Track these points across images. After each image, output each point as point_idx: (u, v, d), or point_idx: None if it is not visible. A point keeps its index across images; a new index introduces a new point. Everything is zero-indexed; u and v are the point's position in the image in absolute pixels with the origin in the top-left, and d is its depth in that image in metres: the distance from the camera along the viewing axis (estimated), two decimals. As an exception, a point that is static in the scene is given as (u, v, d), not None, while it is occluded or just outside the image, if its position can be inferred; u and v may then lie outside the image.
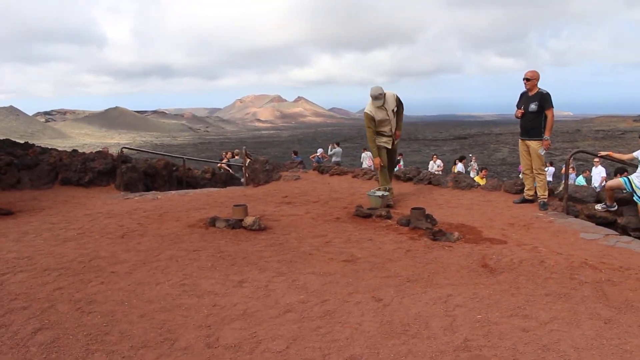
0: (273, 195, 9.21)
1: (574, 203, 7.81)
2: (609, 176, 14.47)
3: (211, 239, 5.91)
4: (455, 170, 18.66)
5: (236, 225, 6.34)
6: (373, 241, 5.87)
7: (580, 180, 14.99)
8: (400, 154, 22.08)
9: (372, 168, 13.80)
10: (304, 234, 6.21)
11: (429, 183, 9.78)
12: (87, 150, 14.87)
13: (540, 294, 4.16)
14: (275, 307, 3.94)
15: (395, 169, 9.51)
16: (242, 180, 13.68)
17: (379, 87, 8.09)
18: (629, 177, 7.30)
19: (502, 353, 3.19)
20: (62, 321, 3.68)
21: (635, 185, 7.10)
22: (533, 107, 7.54)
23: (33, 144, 12.41)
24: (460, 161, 19.34)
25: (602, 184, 9.59)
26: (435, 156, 21.34)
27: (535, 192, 7.86)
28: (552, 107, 7.53)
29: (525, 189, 8.08)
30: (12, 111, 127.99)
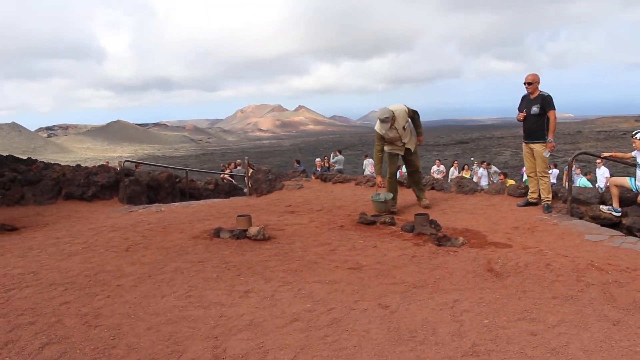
0: (276, 205, 9.21)
1: (578, 205, 7.80)
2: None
3: (216, 250, 5.91)
4: (474, 175, 18.68)
5: (240, 235, 6.34)
6: (378, 248, 5.86)
7: (584, 182, 14.95)
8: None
9: (374, 175, 13.82)
10: (309, 242, 6.21)
11: (432, 188, 9.77)
12: (89, 164, 14.90)
13: (547, 297, 4.15)
14: (281, 316, 3.93)
15: (397, 176, 9.43)
16: (245, 190, 13.69)
17: (386, 109, 7.86)
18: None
19: (510, 357, 3.17)
20: (69, 335, 3.68)
21: (637, 186, 7.10)
22: (535, 109, 7.55)
23: (36, 160, 12.44)
24: (480, 165, 19.34)
25: (607, 185, 9.56)
26: (438, 161, 21.39)
27: (539, 195, 7.84)
28: (554, 109, 7.53)
29: (529, 191, 8.06)
30: (14, 127, 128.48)
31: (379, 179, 8.20)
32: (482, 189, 9.41)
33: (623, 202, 7.48)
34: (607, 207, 7.50)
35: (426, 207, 8.33)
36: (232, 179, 17.45)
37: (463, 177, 13.73)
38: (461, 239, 5.95)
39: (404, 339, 3.46)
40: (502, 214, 7.61)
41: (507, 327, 3.59)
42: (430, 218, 6.72)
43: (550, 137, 7.55)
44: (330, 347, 3.39)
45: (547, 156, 7.63)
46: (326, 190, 10.64)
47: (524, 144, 7.98)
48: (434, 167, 20.42)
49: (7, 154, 12.72)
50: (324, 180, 11.61)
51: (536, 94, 7.63)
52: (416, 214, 6.79)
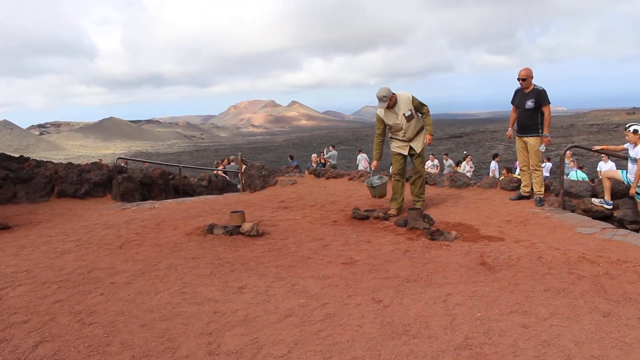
0: (270, 201, 9.21)
1: (570, 198, 7.84)
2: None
3: (209, 246, 5.91)
4: (462, 168, 18.64)
5: (234, 231, 6.34)
6: (371, 243, 5.88)
7: (574, 175, 14.94)
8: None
9: (368, 170, 13.78)
10: (302, 238, 6.22)
11: (425, 183, 9.79)
12: (82, 162, 14.84)
13: (539, 290, 4.18)
14: (275, 312, 3.95)
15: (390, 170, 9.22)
16: (239, 186, 13.68)
17: (385, 88, 7.36)
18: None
19: (503, 350, 3.20)
20: (62, 333, 3.68)
21: (628, 179, 7.15)
22: (530, 104, 7.55)
23: (28, 158, 12.39)
24: (494, 159, 19.33)
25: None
26: (432, 156, 21.36)
27: (532, 189, 7.87)
28: (549, 103, 7.54)
29: (522, 185, 8.09)
30: (6, 125, 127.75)
31: (374, 164, 7.74)
32: (475, 183, 9.43)
33: (615, 195, 7.53)
34: (599, 199, 7.54)
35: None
36: (226, 175, 17.43)
37: (456, 172, 13.77)
38: (454, 233, 5.97)
39: (397, 333, 3.49)
40: (494, 207, 7.64)
41: (500, 320, 3.62)
42: (424, 212, 6.74)
43: (545, 132, 7.56)
44: (324, 342, 3.41)
45: (543, 150, 7.64)
46: (319, 185, 10.65)
47: (517, 137, 7.98)
48: (428, 162, 20.35)
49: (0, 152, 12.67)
50: (317, 175, 11.62)
51: (530, 87, 7.63)
52: (409, 209, 6.81)
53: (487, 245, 5.57)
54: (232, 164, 18.15)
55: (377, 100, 7.40)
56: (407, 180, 7.98)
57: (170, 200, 10.45)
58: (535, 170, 7.71)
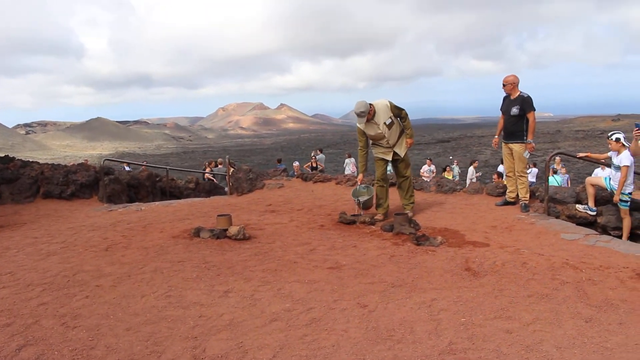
0: (257, 204, 9.21)
1: (555, 204, 7.92)
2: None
3: (196, 250, 5.90)
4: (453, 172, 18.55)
5: (220, 235, 6.34)
6: (357, 248, 5.91)
7: (554, 180, 14.93)
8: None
9: (355, 175, 13.84)
10: (289, 242, 6.23)
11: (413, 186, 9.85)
12: (68, 162, 14.74)
13: (523, 296, 4.22)
14: (261, 316, 3.95)
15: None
16: (226, 189, 13.66)
17: (362, 102, 7.27)
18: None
19: (486, 355, 3.23)
20: (46, 337, 3.66)
21: (612, 186, 7.24)
22: (515, 110, 7.63)
23: (13, 158, 12.28)
24: (472, 164, 19.29)
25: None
26: (429, 160, 21.12)
27: (518, 195, 7.93)
28: (534, 110, 7.59)
29: (508, 191, 8.16)
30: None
31: (359, 177, 7.80)
32: (462, 189, 9.50)
33: (598, 202, 7.61)
34: (583, 206, 7.63)
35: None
36: (214, 178, 17.39)
37: (443, 178, 13.82)
38: (440, 238, 6.01)
39: (382, 338, 3.51)
40: (480, 213, 7.70)
41: (484, 326, 3.65)
42: (410, 217, 6.77)
43: (529, 138, 7.63)
44: (309, 346, 3.42)
45: (527, 157, 7.72)
46: (307, 189, 10.67)
47: (503, 143, 8.05)
48: (425, 167, 20.11)
49: (-16, 152, 12.56)
50: (305, 179, 11.64)
51: (516, 94, 7.70)
52: (395, 214, 6.85)
53: (472, 251, 5.61)
54: (219, 166, 18.11)
55: (356, 116, 7.38)
56: (392, 185, 8.02)
57: (157, 203, 10.41)
58: (521, 176, 7.78)
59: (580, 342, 3.37)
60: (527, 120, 7.61)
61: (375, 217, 7.41)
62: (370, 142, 7.72)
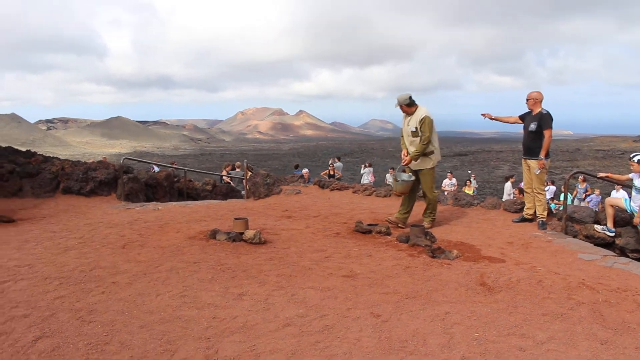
0: (273, 209, 9.24)
1: (573, 223, 7.85)
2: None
3: (211, 252, 5.94)
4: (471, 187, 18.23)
5: (237, 238, 6.37)
6: (372, 257, 5.90)
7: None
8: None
9: (372, 184, 13.80)
10: (304, 248, 6.24)
11: (434, 203, 9.80)
12: (87, 159, 14.91)
13: (537, 314, 4.19)
14: (274, 320, 3.97)
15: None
16: (243, 193, 13.72)
17: (402, 95, 7.53)
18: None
19: (498, 372, 3.21)
20: (62, 330, 3.71)
21: (632, 208, 7.16)
22: (532, 126, 7.59)
23: (35, 152, 12.46)
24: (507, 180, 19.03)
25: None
26: (450, 174, 20.89)
27: (535, 212, 7.88)
28: (550, 127, 7.51)
29: (525, 207, 8.10)
30: (14, 118, 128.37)
31: (403, 152, 7.68)
32: (479, 203, 9.45)
33: (617, 223, 7.54)
34: (602, 226, 7.55)
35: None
36: (231, 181, 17.47)
37: (460, 191, 13.73)
38: (455, 251, 5.99)
39: (394, 349, 3.50)
40: (497, 228, 7.66)
41: (497, 342, 3.63)
42: (426, 230, 6.76)
43: (541, 155, 7.56)
44: (321, 353, 3.42)
45: (538, 173, 7.64)
46: (323, 196, 10.69)
47: (523, 159, 8.02)
48: (446, 181, 19.90)
49: (6, 145, 12.75)
50: (322, 186, 11.66)
51: (537, 110, 7.67)
52: (412, 225, 6.83)
53: (487, 266, 5.58)
54: (237, 170, 18.19)
55: None
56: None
57: (174, 203, 10.49)
58: (538, 193, 7.73)
59: (594, 364, 3.33)
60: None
61: (388, 218, 7.67)
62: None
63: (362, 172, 22.18)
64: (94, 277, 4.92)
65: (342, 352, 3.44)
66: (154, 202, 10.65)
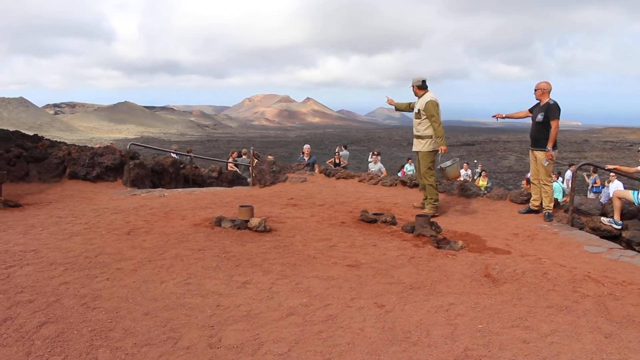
0: (279, 197, 9.24)
1: (579, 215, 7.81)
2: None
3: (216, 239, 5.94)
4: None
5: (242, 226, 6.37)
6: (377, 247, 5.89)
7: (557, 187, 14.65)
8: (409, 159, 21.77)
9: (380, 174, 13.77)
10: (309, 237, 6.24)
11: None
12: (94, 145, 14.94)
13: (542, 306, 4.18)
14: (278, 309, 3.97)
15: (399, 174, 9.36)
16: (249, 180, 13.72)
17: (418, 77, 8.06)
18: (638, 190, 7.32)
19: (502, 364, 3.20)
20: (67, 316, 3.73)
21: (639, 200, 7.11)
22: (539, 117, 7.55)
23: (42, 137, 12.48)
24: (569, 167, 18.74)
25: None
26: (466, 164, 20.73)
27: (541, 203, 7.84)
28: (557, 118, 7.46)
29: (532, 198, 8.06)
30: (22, 102, 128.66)
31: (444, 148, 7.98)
32: (485, 194, 9.42)
33: (624, 215, 7.50)
34: (608, 219, 7.52)
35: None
36: (237, 168, 17.46)
37: (467, 182, 13.68)
38: (460, 242, 5.97)
39: (397, 339, 3.50)
40: (503, 219, 7.63)
41: (501, 334, 3.62)
42: (431, 220, 6.74)
43: (549, 146, 7.51)
44: (324, 342, 3.43)
45: (546, 165, 7.60)
46: (329, 185, 10.68)
47: (530, 150, 7.98)
48: (462, 171, 19.74)
49: (14, 130, 12.78)
50: (328, 175, 11.65)
51: (544, 101, 7.61)
52: (417, 215, 6.81)
53: (492, 257, 5.56)
54: (243, 157, 18.19)
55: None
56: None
57: (180, 190, 10.51)
58: (545, 185, 7.69)
59: (598, 358, 3.32)
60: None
61: (414, 204, 8.28)
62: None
63: (369, 160, 22.04)
64: (99, 263, 4.94)
65: (346, 341, 3.45)
66: (160, 189, 10.68)
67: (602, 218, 7.59)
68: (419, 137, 8.04)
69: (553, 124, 7.45)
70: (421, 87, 8.03)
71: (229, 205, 8.24)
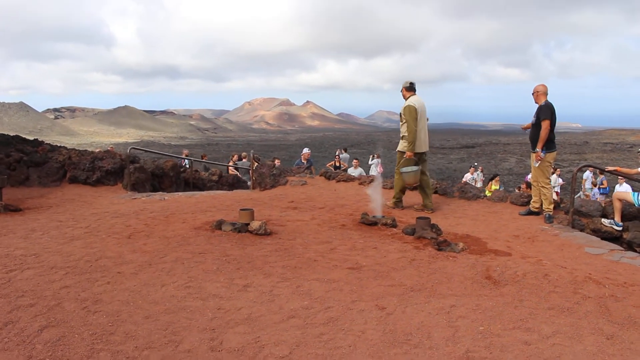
0: (279, 200, 9.24)
1: (580, 217, 7.81)
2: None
3: (217, 242, 5.94)
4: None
5: (242, 229, 6.37)
6: (378, 249, 5.89)
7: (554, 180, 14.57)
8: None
9: (381, 175, 13.76)
10: (309, 240, 6.24)
11: (435, 192, 9.77)
12: (94, 149, 14.96)
13: (543, 308, 4.17)
14: (279, 312, 3.97)
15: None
16: (249, 183, 13.72)
17: (406, 81, 8.33)
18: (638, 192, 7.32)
19: (503, 366, 3.20)
20: (68, 320, 3.72)
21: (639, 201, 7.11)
22: (533, 119, 7.65)
23: (42, 141, 12.50)
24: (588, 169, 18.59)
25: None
26: (472, 168, 20.55)
27: (542, 205, 7.84)
28: (548, 119, 7.47)
29: (532, 200, 8.07)
30: (22, 107, 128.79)
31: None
32: (485, 196, 9.42)
33: (625, 217, 7.49)
34: (609, 220, 7.51)
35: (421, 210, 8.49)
36: (237, 171, 17.47)
37: (467, 184, 13.67)
38: (461, 244, 5.97)
39: (398, 342, 3.49)
40: (503, 221, 7.63)
41: (502, 335, 3.62)
42: (432, 222, 6.74)
43: (537, 147, 7.53)
44: (325, 345, 3.42)
45: (537, 166, 7.63)
46: (329, 188, 10.67)
47: (531, 152, 8.01)
48: (467, 175, 19.65)
49: (14, 134, 12.79)
50: (328, 178, 11.64)
51: (540, 103, 7.65)
52: (418, 217, 6.81)
53: (493, 259, 5.56)
54: (243, 160, 18.19)
55: None
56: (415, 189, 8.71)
57: (180, 193, 10.51)
58: (543, 187, 7.69)
59: (600, 359, 3.32)
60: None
61: (414, 206, 8.54)
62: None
63: (370, 162, 22.01)
64: (100, 267, 4.94)
65: (347, 344, 3.44)
66: (160, 192, 10.68)
67: (603, 219, 7.59)
68: (402, 137, 8.39)
69: (543, 124, 7.49)
70: (408, 89, 8.29)
71: (230, 208, 8.24)
